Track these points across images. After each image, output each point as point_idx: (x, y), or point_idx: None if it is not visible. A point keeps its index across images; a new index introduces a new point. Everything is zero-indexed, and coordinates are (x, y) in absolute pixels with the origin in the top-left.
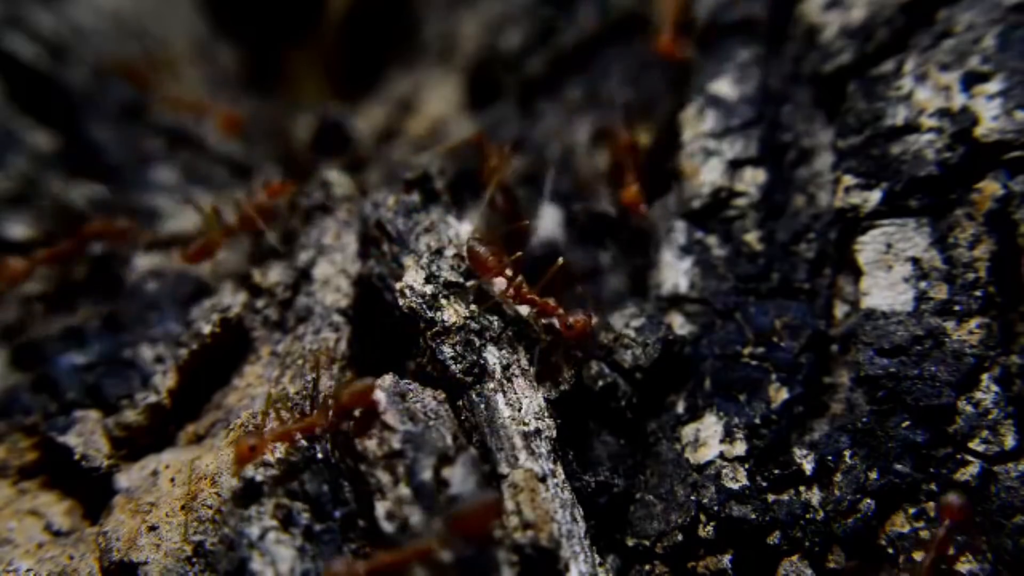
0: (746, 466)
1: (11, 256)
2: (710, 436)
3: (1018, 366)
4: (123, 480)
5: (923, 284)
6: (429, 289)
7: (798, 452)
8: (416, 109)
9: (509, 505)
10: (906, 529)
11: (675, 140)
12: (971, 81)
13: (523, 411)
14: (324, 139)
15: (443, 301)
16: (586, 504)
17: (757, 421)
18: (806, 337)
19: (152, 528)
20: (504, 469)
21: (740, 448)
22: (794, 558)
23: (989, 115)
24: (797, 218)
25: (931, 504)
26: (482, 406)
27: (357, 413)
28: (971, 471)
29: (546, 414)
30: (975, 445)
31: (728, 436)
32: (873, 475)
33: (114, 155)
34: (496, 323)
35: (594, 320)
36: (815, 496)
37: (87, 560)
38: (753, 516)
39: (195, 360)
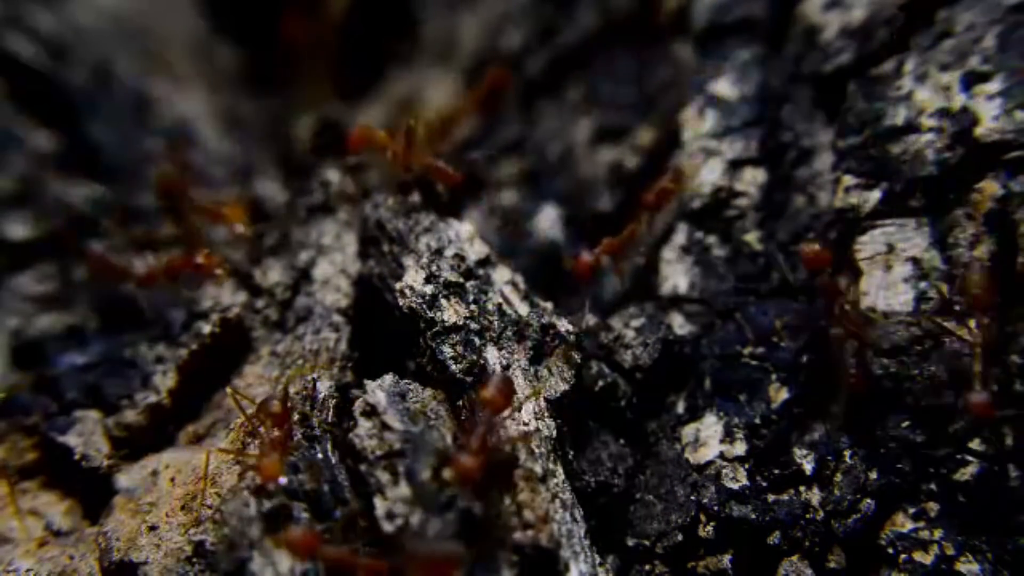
0: (746, 466)
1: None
2: (710, 436)
3: (1018, 366)
4: (123, 480)
5: (923, 284)
6: (429, 289)
7: (798, 452)
8: (416, 109)
9: (509, 505)
10: (906, 529)
11: (675, 140)
12: (971, 81)
13: (523, 411)
14: (324, 139)
15: (443, 301)
16: (586, 504)
17: (757, 421)
18: (806, 337)
19: (152, 528)
20: None
21: (740, 448)
22: (794, 558)
23: (989, 115)
24: (797, 218)
25: (931, 504)
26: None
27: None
28: (971, 471)
29: (546, 414)
30: (975, 445)
31: (728, 436)
32: (873, 475)
33: (114, 155)
34: (496, 323)
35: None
36: (815, 496)
37: (87, 560)
38: (753, 516)
39: (195, 360)
